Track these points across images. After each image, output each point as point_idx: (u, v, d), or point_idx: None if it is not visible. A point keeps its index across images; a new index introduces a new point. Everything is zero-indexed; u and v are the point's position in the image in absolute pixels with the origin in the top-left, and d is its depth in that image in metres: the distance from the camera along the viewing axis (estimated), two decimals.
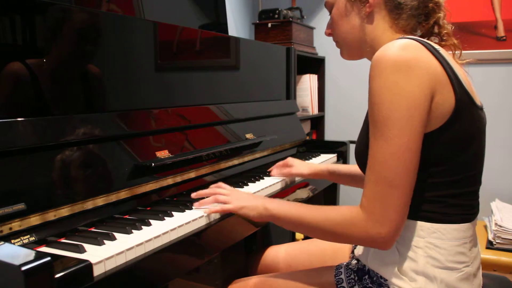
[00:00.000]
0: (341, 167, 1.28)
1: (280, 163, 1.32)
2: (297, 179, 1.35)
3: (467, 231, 0.82)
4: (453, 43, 0.90)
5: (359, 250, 0.95)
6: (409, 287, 0.81)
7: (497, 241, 1.72)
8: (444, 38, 0.90)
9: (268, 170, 1.33)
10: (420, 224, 0.81)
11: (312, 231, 0.88)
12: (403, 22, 0.88)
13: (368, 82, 0.79)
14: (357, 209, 0.80)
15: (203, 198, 1.00)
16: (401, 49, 0.76)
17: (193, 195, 1.02)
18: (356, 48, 0.96)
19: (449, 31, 0.91)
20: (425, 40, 0.82)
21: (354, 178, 1.23)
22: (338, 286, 0.92)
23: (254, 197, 0.97)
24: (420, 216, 0.81)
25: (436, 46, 0.81)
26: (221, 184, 1.05)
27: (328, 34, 1.01)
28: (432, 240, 0.80)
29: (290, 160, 1.31)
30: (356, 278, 0.91)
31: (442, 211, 0.80)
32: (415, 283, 0.80)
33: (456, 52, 0.90)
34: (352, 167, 1.27)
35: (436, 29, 0.90)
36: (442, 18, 0.90)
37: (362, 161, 0.85)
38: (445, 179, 0.80)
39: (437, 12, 0.89)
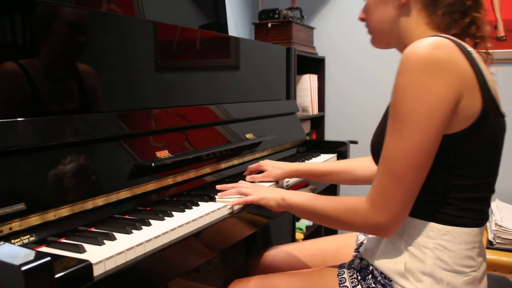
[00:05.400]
0: (319, 165, 1.27)
1: (253, 166, 1.26)
2: (297, 178, 1.35)
3: (476, 236, 0.82)
4: (486, 48, 0.86)
5: (365, 249, 0.95)
6: None
7: (497, 241, 1.72)
8: (478, 41, 0.86)
9: (244, 173, 1.29)
10: (431, 225, 0.81)
11: (321, 219, 0.93)
12: (438, 18, 0.85)
13: (395, 76, 0.77)
14: (362, 199, 0.83)
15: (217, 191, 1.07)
16: (433, 47, 0.74)
17: (218, 187, 1.10)
18: (386, 38, 0.93)
19: (485, 34, 0.86)
20: (459, 40, 0.79)
21: (333, 175, 1.23)
22: (341, 285, 0.91)
23: (272, 189, 1.04)
24: (432, 217, 0.81)
25: (469, 48, 0.79)
26: (242, 181, 1.13)
27: (361, 19, 0.98)
28: (442, 242, 0.80)
29: (262, 165, 1.25)
30: (359, 277, 0.90)
31: (455, 214, 0.80)
32: (421, 284, 0.80)
33: (487, 54, 0.87)
34: (331, 164, 1.27)
35: (472, 30, 0.86)
36: (480, 19, 0.86)
37: (377, 154, 0.85)
38: (464, 183, 0.80)
39: (475, 11, 0.85)
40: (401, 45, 0.90)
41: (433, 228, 0.81)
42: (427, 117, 0.74)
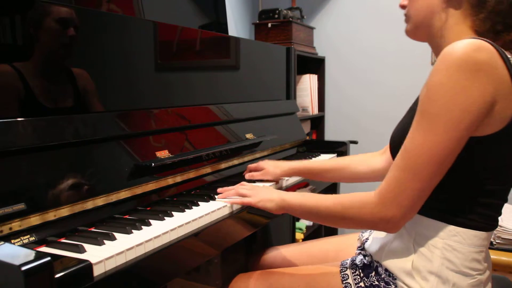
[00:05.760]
0: (318, 163, 1.27)
1: (252, 166, 1.27)
2: (296, 178, 1.35)
3: (485, 240, 0.82)
4: None
5: (371, 246, 0.95)
6: (418, 287, 0.81)
7: (497, 241, 1.72)
8: None
9: (244, 174, 1.29)
10: (442, 225, 0.81)
11: (325, 217, 0.91)
12: (478, 22, 0.83)
13: (430, 72, 0.76)
14: (370, 193, 0.82)
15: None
16: (473, 49, 0.72)
17: (219, 190, 1.09)
18: (423, 29, 0.90)
19: None
20: (498, 46, 0.77)
21: (332, 172, 1.23)
22: (344, 282, 0.91)
23: (272, 191, 1.02)
24: (444, 218, 0.81)
25: (509, 55, 0.77)
26: (244, 182, 1.12)
27: (402, 7, 0.94)
28: (451, 243, 0.80)
29: (261, 164, 1.26)
30: (362, 275, 0.91)
31: (468, 217, 0.80)
32: (426, 283, 0.81)
33: None
34: (330, 161, 1.26)
35: None
36: None
37: (397, 147, 0.84)
38: (483, 187, 0.80)
39: None
40: (435, 41, 0.88)
41: (444, 229, 0.81)
42: (458, 118, 0.73)
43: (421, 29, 0.91)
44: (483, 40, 0.76)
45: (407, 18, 0.93)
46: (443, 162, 0.75)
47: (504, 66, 0.75)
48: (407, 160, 0.77)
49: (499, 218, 1.85)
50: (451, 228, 0.80)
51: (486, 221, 0.81)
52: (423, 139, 0.75)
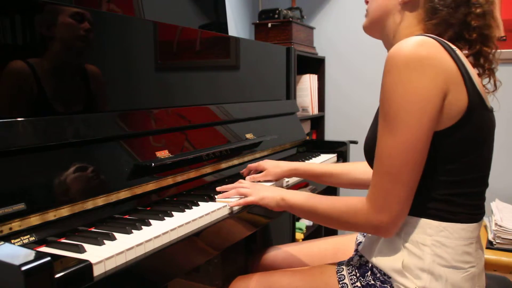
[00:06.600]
0: (319, 166, 1.28)
1: (253, 165, 1.27)
2: (296, 179, 1.35)
3: (474, 231, 0.83)
4: (489, 69, 0.88)
5: (363, 246, 0.95)
6: (413, 285, 0.81)
7: (497, 241, 1.72)
8: (487, 73, 0.88)
9: (241, 172, 1.29)
10: (428, 222, 0.82)
11: (322, 219, 0.93)
12: (430, 26, 0.86)
13: (381, 77, 0.79)
14: (362, 199, 0.84)
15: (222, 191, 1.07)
16: (416, 45, 0.76)
17: (218, 188, 1.09)
18: (378, 26, 0.94)
19: (495, 69, 0.89)
20: (442, 39, 0.81)
21: (332, 177, 1.23)
22: (340, 282, 0.92)
23: (272, 189, 1.03)
24: (428, 214, 0.82)
25: (453, 46, 0.80)
26: (242, 180, 1.12)
27: (366, 2, 0.98)
28: (440, 238, 0.81)
29: (262, 164, 1.25)
30: (358, 274, 0.91)
31: (449, 210, 0.81)
32: (419, 281, 0.81)
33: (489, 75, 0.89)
34: (330, 165, 1.27)
35: (481, 61, 0.88)
36: (489, 53, 0.88)
37: (370, 156, 0.86)
38: (454, 178, 0.81)
39: (484, 45, 0.87)
40: (388, 40, 0.92)
41: (430, 225, 0.82)
42: (416, 113, 0.75)
43: (376, 26, 0.95)
44: (426, 36, 0.79)
45: (366, 14, 0.97)
46: (416, 159, 0.77)
47: (449, 58, 0.77)
48: (382, 166, 0.79)
49: (499, 217, 1.85)
50: (437, 224, 0.81)
51: (470, 211, 0.82)
52: (390, 141, 0.77)
